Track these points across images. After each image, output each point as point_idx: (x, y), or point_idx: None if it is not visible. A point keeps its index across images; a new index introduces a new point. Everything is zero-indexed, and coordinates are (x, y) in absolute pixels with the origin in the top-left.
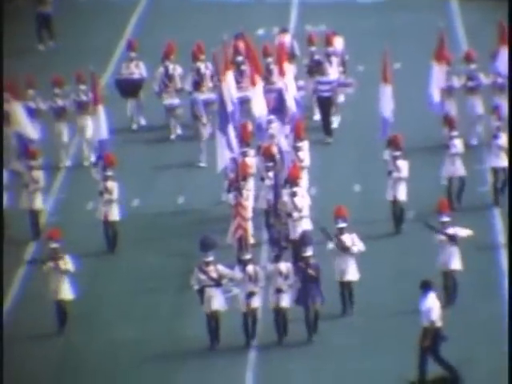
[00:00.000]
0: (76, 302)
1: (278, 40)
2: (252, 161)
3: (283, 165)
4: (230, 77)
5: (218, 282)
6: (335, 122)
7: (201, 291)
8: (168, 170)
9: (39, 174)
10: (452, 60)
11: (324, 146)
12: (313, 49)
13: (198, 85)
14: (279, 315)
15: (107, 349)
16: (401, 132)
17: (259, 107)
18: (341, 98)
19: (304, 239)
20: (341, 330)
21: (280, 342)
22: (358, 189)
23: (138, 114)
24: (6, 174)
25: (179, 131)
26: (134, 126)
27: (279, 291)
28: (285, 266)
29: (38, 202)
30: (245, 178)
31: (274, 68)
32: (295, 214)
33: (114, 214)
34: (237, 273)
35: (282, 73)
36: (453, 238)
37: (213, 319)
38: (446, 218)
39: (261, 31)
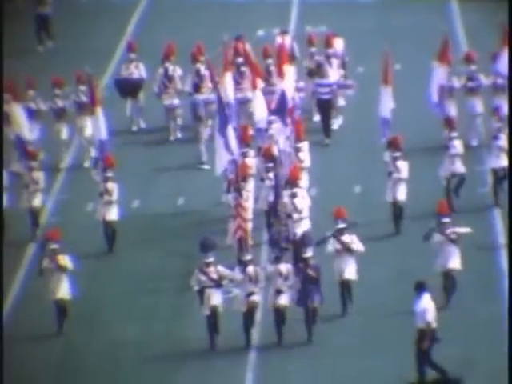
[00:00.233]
0: (76, 303)
1: (278, 41)
2: (252, 161)
3: (283, 166)
4: (228, 78)
5: (218, 283)
6: (336, 124)
7: (201, 292)
8: (168, 172)
9: (39, 175)
10: (453, 61)
11: (324, 147)
12: (313, 50)
13: (197, 86)
14: (279, 315)
15: (107, 349)
16: (401, 133)
17: (259, 111)
18: (341, 102)
19: (304, 240)
20: (340, 330)
21: (280, 343)
22: (358, 190)
23: (138, 116)
24: (6, 175)
25: (179, 134)
26: (134, 128)
27: (279, 292)
28: (285, 267)
29: (38, 203)
30: (245, 179)
31: (274, 69)
32: (295, 215)
33: (113, 214)
34: (237, 274)
35: (281, 75)
36: (452, 239)
37: (212, 315)
38: (445, 219)
39: (261, 32)
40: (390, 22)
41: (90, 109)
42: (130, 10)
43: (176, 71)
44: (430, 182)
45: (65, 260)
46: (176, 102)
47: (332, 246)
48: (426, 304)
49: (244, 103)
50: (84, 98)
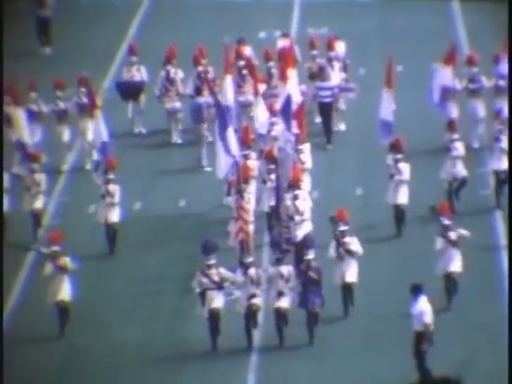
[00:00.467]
0: (77, 305)
1: (279, 44)
2: (254, 163)
3: (285, 168)
4: (228, 81)
5: (219, 285)
6: (340, 127)
7: (202, 294)
8: (169, 174)
9: (41, 177)
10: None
11: (326, 149)
12: (314, 53)
13: (199, 89)
14: (280, 317)
15: (108, 351)
16: (402, 135)
17: (261, 118)
18: (342, 106)
19: (306, 242)
20: (342, 332)
21: (281, 345)
22: (360, 192)
23: (139, 119)
24: (7, 177)
25: (179, 140)
26: (136, 130)
27: (280, 294)
28: (286, 269)
29: (40, 205)
30: (246, 181)
31: (276, 72)
32: (297, 217)
33: (115, 216)
34: (238, 276)
35: (285, 78)
36: (453, 242)
37: (213, 317)
38: (446, 221)
39: (262, 34)
40: (391, 24)
41: (90, 112)
42: (132, 12)
43: (177, 74)
44: (431, 184)
45: (65, 261)
46: (177, 105)
47: (333, 249)
48: (423, 306)
49: (246, 107)
50: (85, 100)
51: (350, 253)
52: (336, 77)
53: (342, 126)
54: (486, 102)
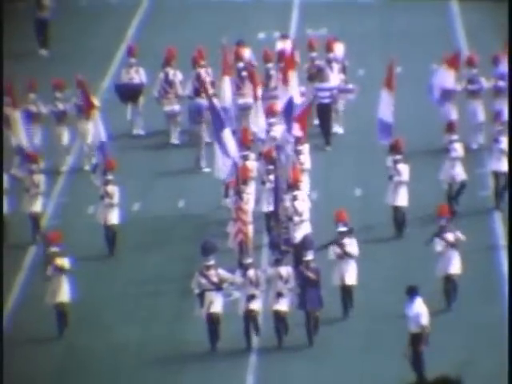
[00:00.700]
0: (76, 306)
1: (278, 46)
2: (253, 164)
3: (285, 168)
4: (226, 83)
5: (218, 286)
6: (338, 130)
7: (201, 295)
8: (168, 175)
9: (40, 178)
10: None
11: (324, 150)
12: (313, 55)
13: (198, 91)
14: (279, 319)
15: (108, 352)
16: (401, 136)
17: (260, 122)
18: (341, 108)
19: (305, 243)
20: (341, 333)
21: (280, 346)
22: (359, 193)
23: (137, 121)
24: (7, 179)
25: (177, 141)
26: (134, 132)
27: (279, 295)
28: (285, 270)
29: (39, 206)
30: (245, 182)
31: (274, 74)
32: (296, 218)
33: (114, 218)
34: (237, 277)
35: (286, 81)
36: (452, 243)
37: (212, 321)
38: (445, 223)
39: (261, 35)
40: (390, 24)
41: (86, 113)
42: (130, 13)
43: (176, 76)
44: (431, 186)
45: (62, 261)
46: (176, 107)
47: (332, 251)
48: (419, 308)
49: (245, 109)
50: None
51: (347, 255)
52: (335, 78)
53: (340, 130)
54: (486, 103)
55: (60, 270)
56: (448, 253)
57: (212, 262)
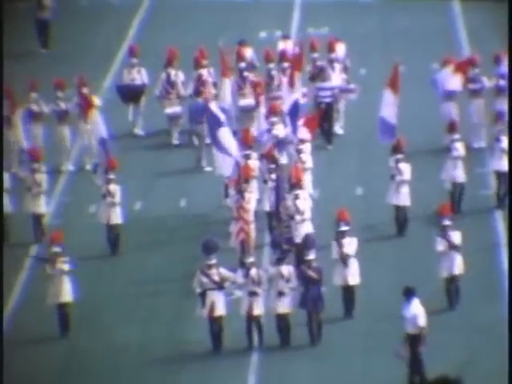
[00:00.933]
0: (78, 305)
1: (280, 46)
2: (255, 163)
3: (287, 167)
4: (225, 85)
5: (220, 285)
6: (340, 130)
7: (202, 295)
8: (170, 174)
9: (42, 177)
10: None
11: (326, 149)
12: (315, 55)
13: (199, 91)
14: (281, 319)
15: (109, 352)
16: (403, 135)
17: (260, 126)
18: (342, 108)
19: (307, 242)
20: (343, 332)
21: (282, 345)
22: (360, 192)
23: (139, 121)
24: (8, 178)
25: (177, 141)
26: (136, 131)
27: (281, 294)
28: (286, 269)
29: (41, 205)
30: (247, 181)
31: (276, 74)
32: (297, 217)
33: (117, 217)
34: (239, 276)
35: (293, 84)
36: (454, 244)
37: (216, 324)
38: (447, 222)
39: (263, 34)
40: (392, 24)
41: (85, 113)
42: (132, 12)
43: (178, 77)
44: (432, 185)
45: (62, 265)
46: (178, 109)
47: (335, 249)
48: (416, 309)
49: (246, 111)
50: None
51: (343, 256)
52: (337, 78)
53: (340, 130)
54: (487, 102)
55: (58, 272)
56: (451, 253)
57: (214, 261)
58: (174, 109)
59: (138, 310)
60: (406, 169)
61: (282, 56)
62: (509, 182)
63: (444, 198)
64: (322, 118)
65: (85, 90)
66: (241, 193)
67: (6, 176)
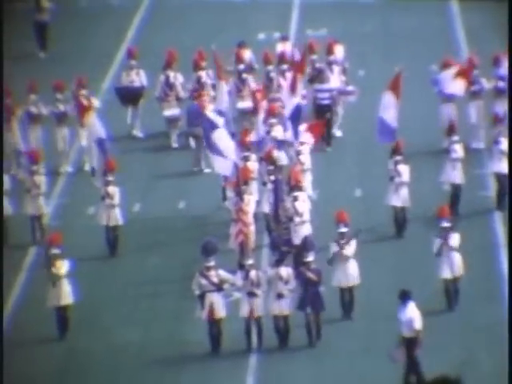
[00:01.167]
0: (76, 307)
1: (278, 48)
2: (254, 165)
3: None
4: (223, 88)
5: (218, 287)
6: (339, 132)
7: (201, 297)
8: (169, 176)
9: (41, 179)
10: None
11: (325, 151)
12: (314, 57)
13: (197, 93)
14: (280, 321)
15: (108, 353)
16: (402, 136)
17: (259, 132)
18: (341, 111)
19: (306, 244)
20: (342, 334)
21: (281, 347)
22: (359, 194)
23: (137, 123)
24: (7, 180)
25: (176, 144)
26: (134, 133)
27: (280, 296)
28: (285, 271)
29: (41, 207)
30: (246, 183)
31: (274, 76)
32: (296, 219)
33: (116, 219)
34: (238, 278)
35: (295, 89)
36: (454, 248)
37: (215, 326)
38: (446, 224)
39: (261, 35)
40: (390, 25)
41: (81, 116)
42: (131, 13)
43: (177, 79)
44: (431, 187)
45: (58, 269)
46: (176, 112)
47: (334, 251)
48: (412, 312)
49: (245, 113)
50: (85, 102)
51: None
52: (335, 81)
53: (339, 132)
54: (486, 103)
55: (54, 277)
56: (450, 254)
57: (212, 263)
58: (172, 111)
59: (137, 312)
60: (404, 170)
61: (281, 58)
62: (509, 184)
63: (443, 200)
64: (320, 120)
65: (83, 92)
66: (240, 195)
67: (5, 178)
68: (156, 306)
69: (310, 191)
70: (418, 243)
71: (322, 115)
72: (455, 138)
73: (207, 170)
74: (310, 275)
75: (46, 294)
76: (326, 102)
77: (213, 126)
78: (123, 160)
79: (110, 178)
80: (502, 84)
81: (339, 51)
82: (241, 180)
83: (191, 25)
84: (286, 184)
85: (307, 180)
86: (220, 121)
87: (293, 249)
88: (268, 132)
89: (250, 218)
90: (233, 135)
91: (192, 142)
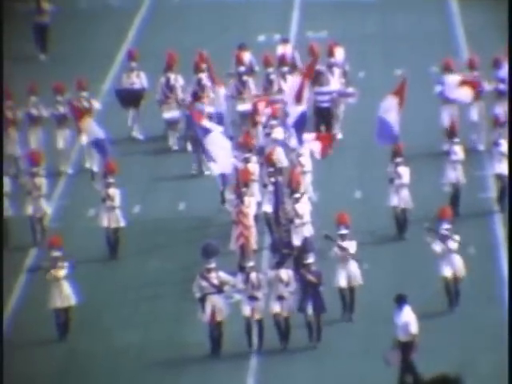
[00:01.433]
0: (77, 309)
1: (279, 51)
2: (254, 167)
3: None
4: (221, 91)
5: (219, 289)
6: (339, 134)
7: (202, 299)
8: (169, 178)
9: (42, 181)
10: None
11: None
12: None
13: (198, 96)
14: (280, 322)
15: (108, 355)
16: (402, 138)
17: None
18: (341, 114)
19: (306, 246)
20: (342, 335)
21: (281, 348)
22: (360, 195)
23: (137, 125)
24: (8, 182)
25: (176, 147)
26: (134, 135)
27: (280, 298)
28: (285, 273)
29: (42, 209)
30: (246, 185)
31: (275, 78)
32: (297, 221)
33: (116, 221)
34: (239, 281)
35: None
36: (454, 250)
37: (216, 329)
38: (447, 225)
39: (262, 37)
40: (390, 25)
41: (78, 120)
42: (131, 14)
43: (178, 81)
44: (432, 188)
45: (57, 272)
46: (176, 114)
47: (334, 252)
48: (407, 317)
49: (246, 115)
50: (86, 104)
51: (352, 256)
52: (336, 83)
53: (339, 135)
54: (487, 105)
55: (53, 280)
56: (451, 256)
57: (213, 265)
58: (172, 113)
59: (138, 313)
60: (405, 172)
61: (282, 60)
62: (509, 186)
63: (443, 202)
64: (320, 122)
65: (84, 94)
66: (240, 197)
67: (5, 180)
68: (156, 308)
69: (310, 193)
70: (419, 245)
71: (321, 118)
72: (455, 139)
73: (207, 172)
74: (310, 277)
75: (46, 296)
76: (326, 104)
77: (206, 132)
78: (123, 162)
79: (111, 180)
80: (503, 86)
81: (339, 53)
82: (241, 182)
83: (191, 26)
84: (287, 186)
85: (307, 182)
86: (214, 126)
87: (293, 251)
88: (268, 134)
89: (250, 221)
90: (231, 138)
91: (189, 146)
